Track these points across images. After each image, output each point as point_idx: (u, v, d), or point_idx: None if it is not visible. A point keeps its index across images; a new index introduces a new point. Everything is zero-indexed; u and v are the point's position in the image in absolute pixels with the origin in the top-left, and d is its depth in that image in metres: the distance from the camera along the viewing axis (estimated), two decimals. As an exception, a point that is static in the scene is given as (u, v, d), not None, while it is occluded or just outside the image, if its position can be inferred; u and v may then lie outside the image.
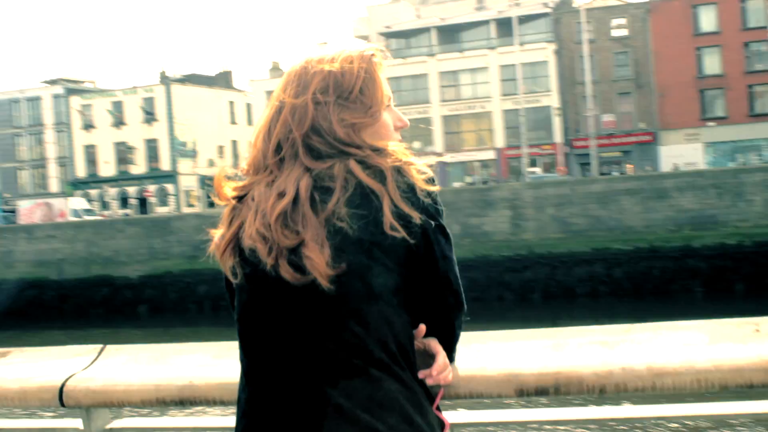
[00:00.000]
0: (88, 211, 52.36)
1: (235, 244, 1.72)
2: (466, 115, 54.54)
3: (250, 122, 61.05)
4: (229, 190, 1.78)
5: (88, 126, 62.33)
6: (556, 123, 52.27)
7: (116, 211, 55.18)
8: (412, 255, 1.68)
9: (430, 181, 1.70)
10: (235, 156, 63.19)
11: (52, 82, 62.84)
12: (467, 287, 1.79)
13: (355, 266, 1.64)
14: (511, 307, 28.82)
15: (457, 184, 48.48)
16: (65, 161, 63.25)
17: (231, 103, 65.01)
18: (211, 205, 57.70)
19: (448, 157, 52.67)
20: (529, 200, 32.75)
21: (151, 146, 60.10)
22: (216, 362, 2.32)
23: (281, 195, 1.68)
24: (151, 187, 59.61)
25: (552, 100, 52.72)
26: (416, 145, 53.97)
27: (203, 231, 1.85)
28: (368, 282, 1.65)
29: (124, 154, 62.60)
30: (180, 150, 59.44)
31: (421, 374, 1.72)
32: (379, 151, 1.69)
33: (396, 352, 1.67)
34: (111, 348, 2.52)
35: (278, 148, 1.73)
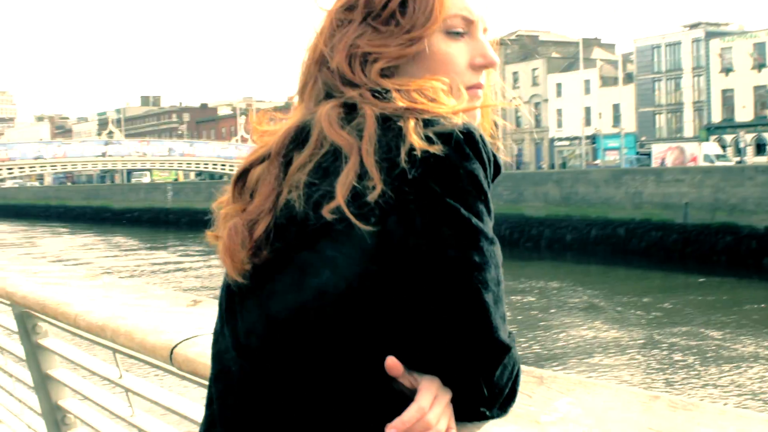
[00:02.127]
0: (721, 157, 52.32)
1: None
2: None
3: None
4: (258, 136, 1.35)
5: (727, 69, 61.77)
6: None
7: (751, 157, 52.65)
8: (385, 249, 1.13)
9: (445, 137, 1.13)
10: None
11: (693, 26, 63.12)
12: None
13: (284, 257, 1.19)
14: None
15: None
16: (701, 105, 63.33)
17: None
18: None
19: None
20: None
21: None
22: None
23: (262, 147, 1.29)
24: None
25: None
26: None
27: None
28: (302, 282, 1.17)
29: (763, 98, 59.30)
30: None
31: (387, 427, 1.12)
32: (380, 93, 1.21)
33: (337, 391, 1.15)
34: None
35: (303, 81, 1.33)
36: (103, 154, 79.88)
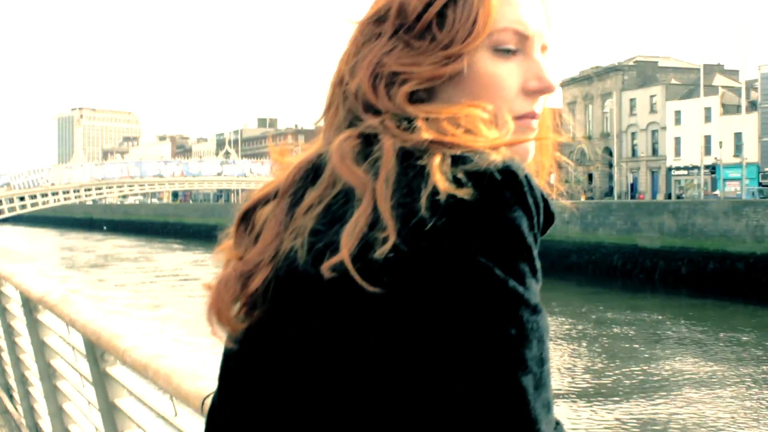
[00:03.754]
0: None
1: None
2: None
3: None
4: (278, 168, 1.15)
5: None
6: None
7: None
8: (398, 318, 0.90)
9: (478, 177, 0.91)
10: None
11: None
12: None
13: (279, 320, 1.00)
14: None
15: None
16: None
17: None
18: None
19: None
20: None
21: None
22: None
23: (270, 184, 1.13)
24: None
25: None
26: None
27: None
28: (292, 354, 0.97)
29: None
30: None
31: None
32: (406, 121, 1.00)
33: None
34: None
35: (327, 105, 1.13)
36: (219, 174, 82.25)
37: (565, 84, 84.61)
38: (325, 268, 0.92)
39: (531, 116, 1.09)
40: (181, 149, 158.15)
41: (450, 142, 0.95)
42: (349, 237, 0.92)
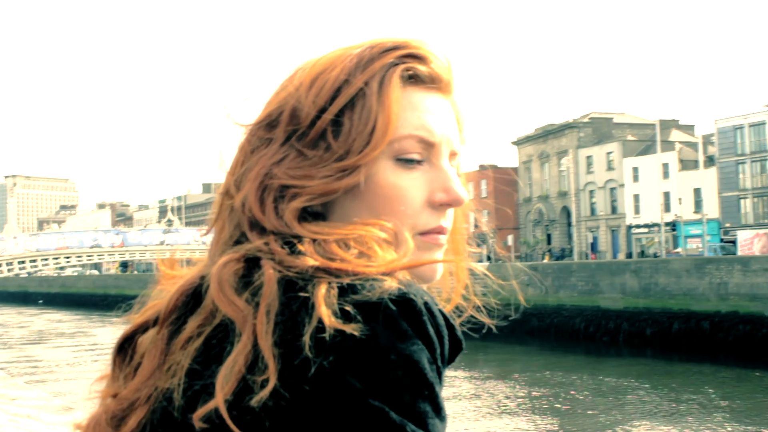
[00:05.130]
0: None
1: None
2: None
3: None
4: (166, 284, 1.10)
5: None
6: None
7: None
8: None
9: (369, 309, 0.85)
10: None
11: (778, 106, 61.26)
12: None
13: None
14: None
15: None
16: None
17: None
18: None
19: None
20: None
21: None
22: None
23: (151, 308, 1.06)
24: None
25: None
26: None
27: None
28: None
29: None
30: None
31: None
32: (291, 244, 0.92)
33: None
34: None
35: (212, 219, 1.08)
36: (162, 243, 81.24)
37: (520, 142, 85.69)
38: (197, 417, 0.85)
39: (438, 231, 1.01)
40: (122, 217, 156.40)
41: (337, 268, 0.87)
42: (225, 380, 0.84)
